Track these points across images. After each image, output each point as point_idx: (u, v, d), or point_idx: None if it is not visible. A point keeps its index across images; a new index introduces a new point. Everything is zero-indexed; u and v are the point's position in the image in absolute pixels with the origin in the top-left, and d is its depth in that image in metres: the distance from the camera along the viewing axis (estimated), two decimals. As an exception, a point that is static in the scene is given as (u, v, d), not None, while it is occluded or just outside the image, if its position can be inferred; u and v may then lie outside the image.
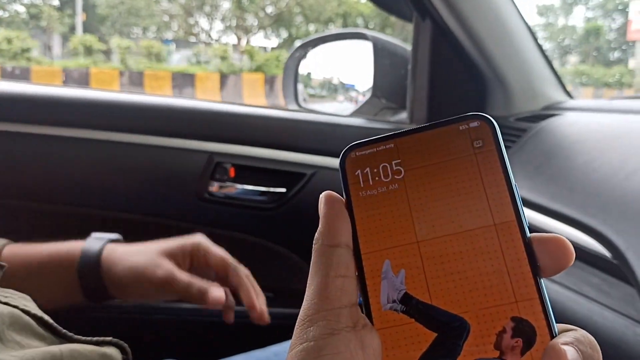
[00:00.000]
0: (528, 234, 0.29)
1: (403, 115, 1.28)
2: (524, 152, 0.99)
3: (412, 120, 1.23)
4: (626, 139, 0.88)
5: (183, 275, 0.67)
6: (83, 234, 1.08)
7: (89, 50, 14.51)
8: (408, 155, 0.31)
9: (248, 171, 1.10)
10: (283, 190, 1.10)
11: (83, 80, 11.00)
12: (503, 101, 1.17)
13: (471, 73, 1.17)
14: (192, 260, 0.71)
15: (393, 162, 0.32)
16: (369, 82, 1.36)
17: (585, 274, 0.86)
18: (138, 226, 1.08)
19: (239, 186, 1.10)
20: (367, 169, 0.32)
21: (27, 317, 0.53)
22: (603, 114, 1.04)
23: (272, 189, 1.10)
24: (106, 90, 1.15)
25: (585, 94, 16.31)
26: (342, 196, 0.32)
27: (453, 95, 1.21)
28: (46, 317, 0.55)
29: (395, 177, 0.31)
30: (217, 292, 0.68)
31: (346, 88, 1.99)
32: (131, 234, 1.09)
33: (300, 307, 1.06)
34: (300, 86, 1.47)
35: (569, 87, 1.21)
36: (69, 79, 10.97)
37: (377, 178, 0.32)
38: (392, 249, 0.30)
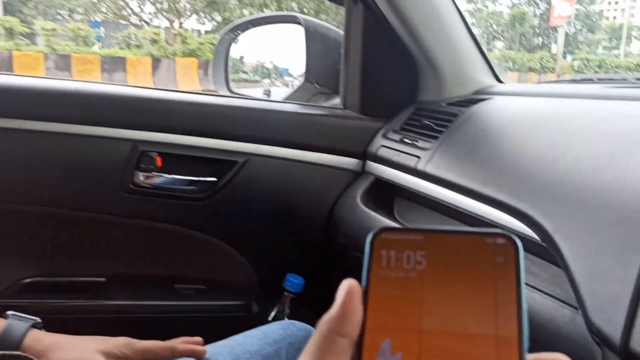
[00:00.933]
0: (526, 355, 0.30)
1: (336, 101, 1.26)
2: (455, 137, 0.99)
3: (345, 106, 1.22)
4: (554, 123, 0.89)
5: None
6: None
7: (10, 33, 13.71)
8: (433, 251, 0.34)
9: (176, 160, 1.05)
10: (214, 179, 1.06)
11: (5, 64, 10.40)
12: (434, 86, 1.17)
13: (403, 58, 1.17)
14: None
15: (418, 253, 0.34)
16: (303, 67, 1.33)
17: (515, 256, 0.87)
18: (63, 220, 1.01)
19: (167, 176, 1.05)
20: (393, 252, 0.34)
21: None
22: (532, 98, 1.06)
23: (202, 178, 1.06)
24: (20, 75, 1.06)
25: (511, 79, 16.88)
26: (363, 273, 0.33)
27: (385, 80, 1.20)
28: None
29: (417, 266, 0.33)
30: None
31: (280, 72, 1.95)
32: (54, 229, 1.02)
33: (232, 299, 1.03)
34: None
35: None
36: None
37: (399, 263, 0.33)
38: (395, 330, 0.32)
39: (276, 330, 0.83)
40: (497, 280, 0.32)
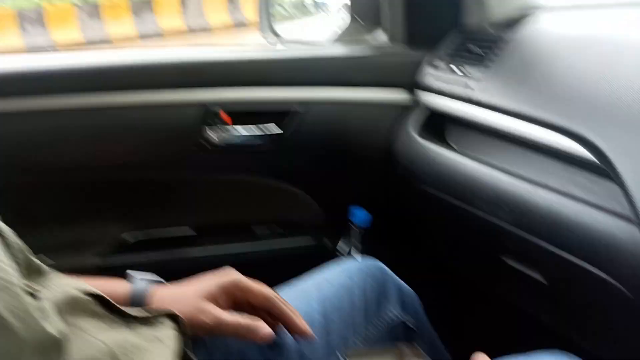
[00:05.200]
0: None
1: (382, 37, 1.27)
2: (506, 62, 1.00)
3: (392, 40, 1.24)
4: (606, 38, 0.89)
5: (229, 317, 0.66)
6: (93, 203, 1.11)
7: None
8: None
9: (241, 115, 1.12)
10: (280, 131, 1.14)
11: (39, 20, 10.47)
12: (477, 8, 1.17)
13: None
14: (231, 299, 0.69)
15: None
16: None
17: (569, 174, 0.89)
18: (147, 185, 1.11)
19: (237, 131, 1.12)
20: None
21: (82, 296, 0.53)
22: (582, 11, 1.05)
23: (268, 132, 1.14)
24: (84, 51, 1.14)
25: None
26: None
27: (428, 6, 1.21)
28: (101, 293, 0.55)
29: None
30: (266, 329, 0.66)
31: (318, 6, 1.95)
32: (141, 195, 1.12)
33: (304, 237, 1.09)
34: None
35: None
36: (25, 21, 10.40)
37: None
38: None
39: (353, 266, 0.88)
40: None
